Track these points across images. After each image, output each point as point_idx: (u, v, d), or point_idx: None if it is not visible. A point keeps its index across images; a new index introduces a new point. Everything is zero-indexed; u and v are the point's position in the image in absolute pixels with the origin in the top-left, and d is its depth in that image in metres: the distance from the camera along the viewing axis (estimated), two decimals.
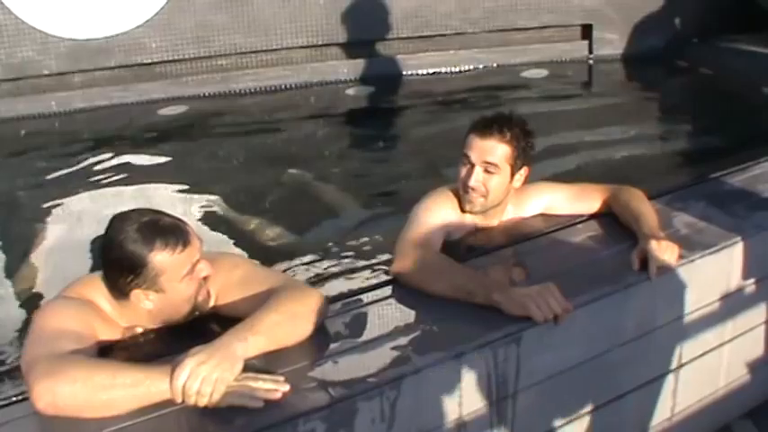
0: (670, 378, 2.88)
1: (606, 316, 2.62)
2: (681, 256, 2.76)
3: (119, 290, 2.29)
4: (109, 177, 4.75)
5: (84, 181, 4.74)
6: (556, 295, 2.42)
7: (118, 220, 2.29)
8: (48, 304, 2.39)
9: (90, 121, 5.66)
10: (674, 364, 2.87)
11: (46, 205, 4.36)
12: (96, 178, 4.76)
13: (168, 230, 2.27)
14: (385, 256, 3.20)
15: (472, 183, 2.84)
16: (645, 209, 2.96)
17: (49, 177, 4.78)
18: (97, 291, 2.36)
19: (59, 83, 5.79)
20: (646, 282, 2.68)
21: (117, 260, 2.25)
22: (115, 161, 5.00)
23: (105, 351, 2.26)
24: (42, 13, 5.56)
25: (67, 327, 2.20)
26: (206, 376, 1.98)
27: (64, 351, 2.08)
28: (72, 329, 2.20)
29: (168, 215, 2.36)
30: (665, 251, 2.74)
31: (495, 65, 6.55)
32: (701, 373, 2.97)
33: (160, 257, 2.23)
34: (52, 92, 5.78)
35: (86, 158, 5.07)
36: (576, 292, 2.52)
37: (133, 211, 2.34)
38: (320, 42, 6.18)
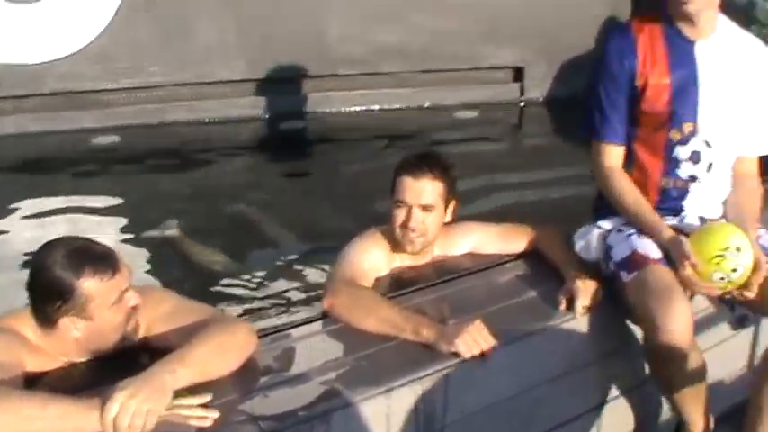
0: (595, 414, 2.95)
1: (533, 353, 2.69)
2: (605, 295, 2.85)
3: (47, 318, 2.27)
4: (38, 205, 4.73)
5: (12, 208, 4.69)
6: (483, 332, 2.49)
7: (46, 247, 2.29)
8: None
9: (20, 148, 5.60)
10: (599, 400, 2.95)
11: None
12: (25, 206, 4.73)
13: (97, 257, 2.27)
14: (316, 292, 3.24)
15: (412, 224, 2.89)
16: (569, 249, 3.06)
17: None
18: (24, 322, 2.33)
19: None
20: (572, 319, 2.77)
21: (45, 286, 2.24)
22: (46, 189, 4.98)
23: (33, 383, 2.23)
24: None
25: None
26: (136, 409, 1.98)
27: None
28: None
29: (98, 243, 2.36)
30: (590, 291, 2.83)
31: (427, 104, 6.62)
32: (626, 408, 3.05)
33: (89, 284, 2.22)
34: None
35: (16, 186, 5.05)
36: (504, 330, 2.58)
37: (62, 238, 2.34)
38: (255, 77, 6.20)
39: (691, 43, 2.89)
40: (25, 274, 2.99)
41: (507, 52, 6.83)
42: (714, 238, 2.69)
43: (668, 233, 2.81)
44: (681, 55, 2.89)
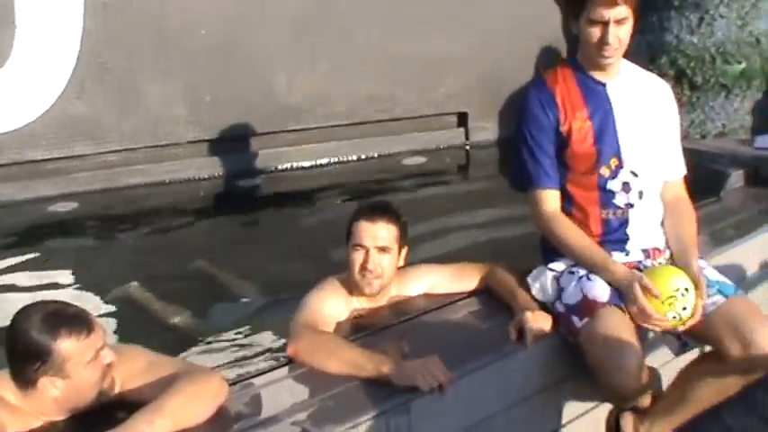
0: None
1: (489, 382, 2.85)
2: (553, 326, 3.03)
3: (25, 379, 2.38)
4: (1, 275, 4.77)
5: None
6: (439, 366, 2.65)
7: (23, 312, 2.40)
8: None
9: None
10: (555, 425, 3.13)
11: None
12: None
13: (72, 319, 2.39)
14: (279, 339, 3.37)
15: (370, 266, 3.05)
16: (518, 284, 3.24)
17: None
18: (3, 384, 2.43)
19: None
20: (523, 349, 2.93)
21: (23, 349, 2.35)
22: (8, 259, 5.00)
23: None
24: None
25: None
26: None
27: None
28: None
29: (71, 305, 2.49)
30: (539, 321, 3.01)
31: (376, 154, 6.73)
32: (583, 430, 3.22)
33: (65, 344, 2.34)
34: None
35: None
36: (460, 363, 2.75)
37: (37, 302, 2.45)
38: (207, 137, 6.27)
39: (603, 85, 3.14)
40: None
41: (451, 99, 6.98)
42: (664, 281, 2.91)
43: (621, 271, 2.98)
44: (596, 97, 3.13)
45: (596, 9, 2.97)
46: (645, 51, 5.95)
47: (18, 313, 2.41)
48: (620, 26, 2.99)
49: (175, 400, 2.33)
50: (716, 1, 5.94)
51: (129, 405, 2.43)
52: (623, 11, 2.97)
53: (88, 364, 2.40)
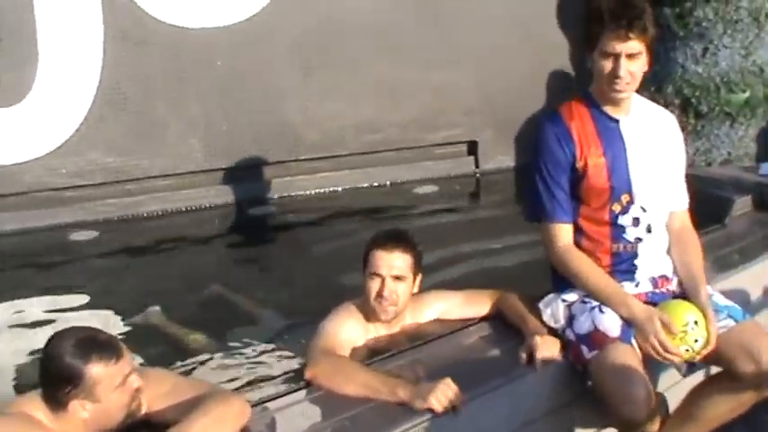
0: None
1: (499, 405, 2.95)
2: (562, 350, 3.14)
3: (57, 401, 2.49)
4: (22, 301, 4.86)
5: None
6: (453, 388, 2.76)
7: (56, 337, 2.53)
8: None
9: (2, 246, 5.72)
10: None
11: None
12: (7, 303, 4.85)
13: (103, 345, 2.51)
14: (296, 363, 3.48)
15: (386, 294, 3.16)
16: (529, 310, 3.34)
17: None
18: (36, 406, 2.54)
19: None
20: (533, 373, 3.04)
21: (56, 373, 2.47)
22: (28, 285, 5.12)
23: None
24: None
25: None
26: None
27: None
28: None
29: (102, 332, 2.61)
30: (548, 346, 3.12)
31: (388, 182, 6.79)
32: None
33: (96, 370, 2.46)
34: None
35: None
36: (472, 385, 2.85)
37: (70, 328, 2.58)
38: (223, 166, 6.38)
39: (616, 122, 3.22)
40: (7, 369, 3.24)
41: (461, 128, 7.04)
42: (675, 316, 3.02)
43: (638, 307, 3.08)
44: (610, 134, 3.21)
45: (609, 42, 3.06)
46: (651, 81, 6.06)
47: (51, 338, 2.53)
48: (632, 61, 3.06)
49: (203, 420, 2.45)
50: (720, 31, 6.05)
51: (155, 426, 2.55)
52: (636, 45, 3.04)
53: (117, 388, 2.51)
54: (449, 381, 2.79)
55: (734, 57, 6.07)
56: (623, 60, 3.06)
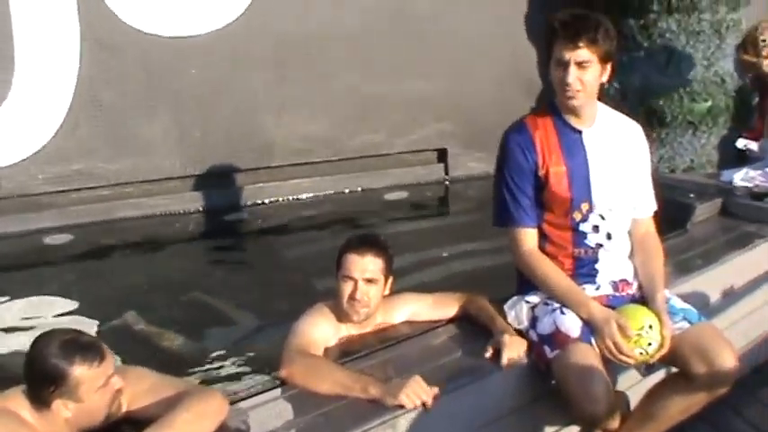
0: None
1: (467, 402, 3.05)
2: (528, 350, 3.26)
3: (41, 400, 2.57)
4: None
5: None
6: (422, 385, 2.87)
7: (41, 338, 2.60)
8: None
9: None
10: None
11: None
12: None
13: (87, 347, 2.59)
14: (270, 362, 3.56)
15: (358, 296, 3.24)
16: (495, 311, 3.46)
17: None
18: (19, 403, 2.61)
19: None
20: (499, 370, 3.15)
21: (41, 373, 2.54)
22: (4, 289, 5.15)
23: None
24: None
25: None
26: None
27: None
28: None
29: (86, 334, 2.69)
30: (514, 345, 3.23)
31: (359, 189, 6.90)
32: None
33: (80, 371, 2.53)
34: None
35: None
36: (440, 384, 2.95)
37: (55, 330, 2.65)
38: (197, 172, 6.46)
39: (579, 133, 3.33)
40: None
41: (431, 136, 7.17)
42: (632, 320, 3.13)
43: (597, 310, 3.18)
44: (572, 145, 3.32)
45: (559, 51, 3.17)
46: (616, 90, 6.23)
47: (37, 339, 2.60)
48: (581, 69, 3.16)
49: (184, 416, 2.53)
50: (683, 42, 6.23)
51: (135, 423, 2.62)
52: (584, 54, 3.14)
53: (99, 389, 2.59)
54: (418, 378, 2.89)
55: (696, 67, 6.25)
56: (572, 68, 3.16)
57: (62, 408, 2.57)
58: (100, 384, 2.59)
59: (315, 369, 3.03)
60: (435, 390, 2.89)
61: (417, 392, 2.85)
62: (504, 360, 3.17)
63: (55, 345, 2.56)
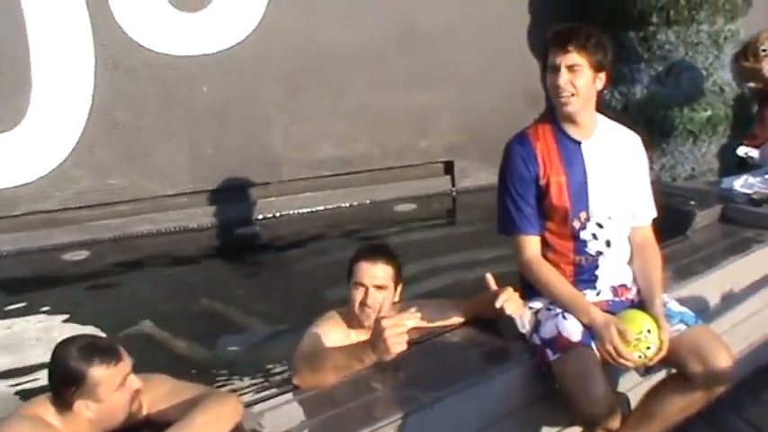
0: None
1: (473, 402, 3.18)
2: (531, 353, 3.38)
3: (64, 402, 2.70)
4: (19, 319, 5.07)
5: None
6: (391, 322, 2.98)
7: (62, 344, 2.75)
8: (5, 422, 2.74)
9: None
10: None
11: None
12: (5, 321, 5.06)
13: (103, 349, 2.73)
14: (284, 366, 3.72)
15: (369, 302, 3.34)
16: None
17: None
18: (46, 409, 2.75)
19: None
20: (506, 372, 3.29)
21: (62, 375, 2.69)
22: (24, 303, 5.31)
23: None
24: None
25: None
26: None
27: None
28: None
29: (103, 338, 2.87)
30: (512, 296, 3.36)
31: (368, 201, 7.01)
32: None
33: (98, 371, 2.67)
34: None
35: None
36: (449, 384, 3.10)
37: (74, 336, 2.80)
38: (210, 188, 6.58)
39: (578, 144, 3.43)
40: (11, 382, 3.39)
41: (438, 148, 7.29)
42: (631, 324, 3.24)
43: (598, 315, 3.28)
44: (572, 156, 3.42)
45: (551, 56, 3.31)
46: (617, 101, 6.34)
47: (58, 345, 2.75)
48: (572, 73, 3.28)
49: (203, 417, 2.67)
50: (682, 53, 6.35)
51: (156, 426, 2.75)
52: (575, 58, 3.26)
53: (117, 388, 2.72)
54: (386, 322, 2.99)
55: (695, 78, 6.36)
56: (563, 71, 3.28)
57: (84, 408, 2.70)
58: (118, 383, 2.72)
59: (317, 365, 3.15)
60: (408, 314, 3.04)
61: (395, 333, 2.96)
62: (500, 300, 3.31)
63: (74, 348, 2.70)
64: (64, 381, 2.69)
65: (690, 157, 6.37)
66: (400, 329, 2.96)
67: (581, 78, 3.31)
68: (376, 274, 3.37)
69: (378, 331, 2.98)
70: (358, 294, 3.38)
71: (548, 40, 3.37)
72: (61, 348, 2.74)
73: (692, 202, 5.45)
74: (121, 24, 6.15)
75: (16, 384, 4.17)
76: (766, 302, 4.55)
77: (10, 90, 5.99)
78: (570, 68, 3.29)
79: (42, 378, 2.78)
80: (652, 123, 6.28)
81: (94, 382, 2.67)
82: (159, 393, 2.88)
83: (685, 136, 6.31)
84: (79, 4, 6.03)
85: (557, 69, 3.30)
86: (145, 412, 2.85)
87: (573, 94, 3.32)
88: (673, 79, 6.37)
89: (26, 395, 2.96)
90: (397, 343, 2.95)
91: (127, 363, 2.77)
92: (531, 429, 3.45)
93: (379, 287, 3.37)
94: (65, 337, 2.81)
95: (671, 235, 4.79)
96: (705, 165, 6.41)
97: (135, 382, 2.78)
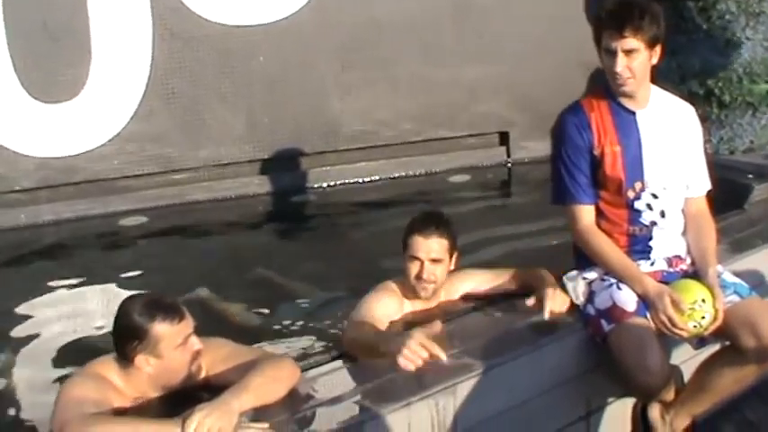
0: (582, 423, 3.48)
1: (525, 370, 3.22)
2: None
3: (125, 356, 2.80)
4: (79, 281, 5.18)
5: (54, 286, 5.12)
6: (418, 343, 3.00)
7: (127, 300, 2.86)
8: (71, 379, 2.89)
9: (57, 233, 6.04)
10: (583, 411, 3.48)
11: (22, 309, 4.79)
12: (66, 282, 5.16)
13: (167, 307, 2.82)
14: (337, 334, 3.78)
15: (425, 275, 3.40)
16: (554, 281, 3.57)
17: (28, 284, 5.21)
18: (109, 368, 2.87)
19: (29, 198, 6.16)
20: (559, 341, 3.30)
21: (125, 329, 2.79)
22: (83, 267, 5.45)
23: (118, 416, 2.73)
24: (13, 134, 6.00)
25: (89, 396, 2.71)
26: (210, 426, 2.51)
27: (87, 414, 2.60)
28: (92, 398, 2.71)
29: (167, 296, 2.93)
30: (557, 298, 3.42)
31: (422, 171, 7.03)
32: (609, 418, 3.56)
33: (160, 328, 2.76)
34: (23, 206, 6.14)
35: (56, 266, 5.52)
36: (500, 353, 3.14)
37: (139, 293, 2.95)
38: (266, 156, 6.64)
39: (633, 114, 3.43)
40: (75, 342, 3.51)
41: (493, 119, 7.26)
42: (685, 294, 3.25)
43: (651, 285, 3.30)
44: (626, 125, 3.42)
45: (607, 40, 3.29)
46: (675, 72, 6.25)
47: (124, 301, 2.85)
48: (629, 57, 3.27)
49: (259, 380, 2.73)
50: (742, 24, 6.22)
51: (214, 387, 2.81)
52: (632, 42, 3.24)
53: (178, 347, 2.81)
54: (418, 335, 3.04)
55: (756, 48, 6.24)
56: (620, 57, 3.26)
57: (144, 363, 2.79)
58: (179, 342, 2.80)
59: (358, 338, 3.22)
60: (440, 349, 3.02)
61: (414, 355, 2.98)
62: (546, 312, 3.35)
63: (138, 304, 2.80)
64: (127, 335, 2.78)
65: (749, 129, 6.26)
66: (420, 355, 2.99)
67: (637, 60, 3.30)
68: (431, 247, 3.40)
69: (405, 338, 3.02)
70: (414, 268, 3.42)
71: (601, 20, 3.34)
72: (126, 303, 2.83)
73: (750, 176, 5.40)
74: None
75: (78, 345, 4.26)
76: None
77: (70, 60, 6.08)
78: (627, 53, 3.27)
79: (102, 341, 2.85)
80: (710, 95, 6.21)
81: (156, 337, 2.76)
82: (218, 356, 2.96)
83: (744, 108, 6.22)
84: None
85: (613, 54, 3.29)
86: (204, 374, 2.93)
87: (630, 77, 3.31)
88: (732, 50, 6.26)
89: (88, 356, 3.03)
90: (408, 363, 2.97)
91: (189, 323, 2.86)
92: (584, 398, 3.48)
93: (434, 260, 3.41)
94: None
95: (728, 208, 4.78)
96: (764, 137, 6.30)
97: (196, 342, 2.86)
